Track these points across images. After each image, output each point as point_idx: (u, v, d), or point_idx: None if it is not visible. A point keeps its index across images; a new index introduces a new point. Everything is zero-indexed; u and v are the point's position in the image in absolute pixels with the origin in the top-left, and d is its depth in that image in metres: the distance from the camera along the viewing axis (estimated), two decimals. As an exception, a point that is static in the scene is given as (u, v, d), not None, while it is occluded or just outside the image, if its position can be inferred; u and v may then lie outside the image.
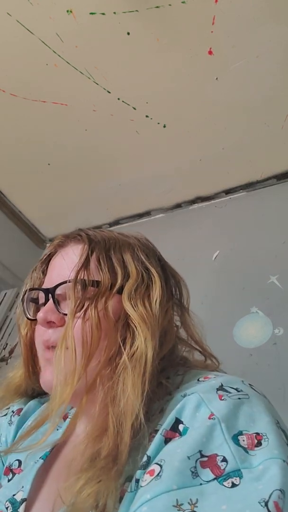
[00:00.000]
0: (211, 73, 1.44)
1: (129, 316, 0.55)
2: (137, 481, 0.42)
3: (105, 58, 1.43)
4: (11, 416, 0.66)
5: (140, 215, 2.11)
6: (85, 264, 0.59)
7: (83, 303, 0.55)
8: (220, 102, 1.52)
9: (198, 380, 0.52)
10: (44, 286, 0.63)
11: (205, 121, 1.59)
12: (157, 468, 0.40)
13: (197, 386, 0.49)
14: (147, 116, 1.61)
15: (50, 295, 0.59)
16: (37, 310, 0.64)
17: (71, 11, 1.31)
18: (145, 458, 0.43)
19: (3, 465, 0.62)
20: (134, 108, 1.58)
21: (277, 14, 1.26)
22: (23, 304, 0.65)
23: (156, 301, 0.58)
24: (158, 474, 0.39)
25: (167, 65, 1.42)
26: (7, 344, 2.01)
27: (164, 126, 1.63)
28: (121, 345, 0.53)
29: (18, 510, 0.50)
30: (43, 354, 0.58)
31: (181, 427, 0.44)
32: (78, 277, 0.57)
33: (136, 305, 0.56)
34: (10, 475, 0.57)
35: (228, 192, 1.88)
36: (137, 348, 0.51)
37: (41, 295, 0.62)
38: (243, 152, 1.70)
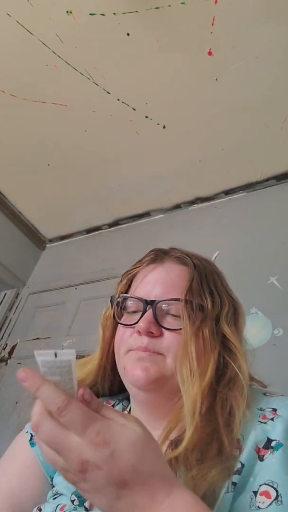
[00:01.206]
0: (211, 74, 1.44)
1: (227, 339, 0.63)
2: (234, 484, 0.48)
3: (105, 58, 1.43)
4: None
5: (139, 216, 2.11)
6: (191, 287, 0.64)
7: (194, 322, 0.61)
8: (219, 103, 1.52)
9: (264, 394, 0.60)
10: (137, 295, 0.66)
11: (204, 122, 1.60)
12: (272, 491, 0.46)
13: (273, 401, 0.57)
14: (146, 117, 1.61)
15: (150, 307, 0.63)
16: (120, 314, 0.68)
17: (70, 12, 1.31)
18: (239, 465, 0.49)
19: None
20: (134, 109, 1.58)
21: (277, 15, 1.27)
22: (113, 307, 0.69)
23: (242, 326, 0.68)
24: (276, 498, 0.45)
25: (166, 66, 1.42)
26: (6, 344, 2.01)
27: (164, 127, 1.63)
28: (224, 363, 0.60)
29: (85, 504, 0.54)
30: (134, 352, 0.61)
31: (273, 443, 0.50)
32: (188, 299, 0.62)
33: (233, 330, 0.64)
34: None
35: (227, 192, 1.88)
36: (240, 367, 0.59)
37: (135, 304, 0.66)
38: (243, 152, 1.70)
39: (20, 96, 1.60)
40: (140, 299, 0.64)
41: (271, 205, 1.72)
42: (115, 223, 2.18)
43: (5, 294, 2.24)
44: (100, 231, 2.25)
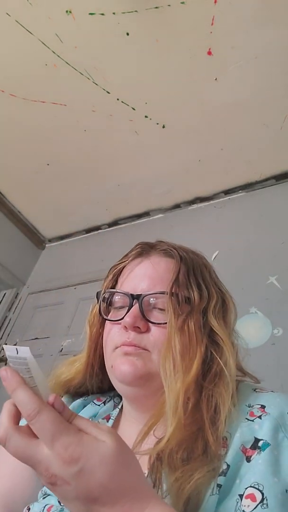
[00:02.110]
0: (211, 74, 1.44)
1: (215, 332, 0.61)
2: (219, 486, 0.46)
3: (105, 58, 1.43)
4: None
5: (139, 216, 2.11)
6: (178, 280, 0.62)
7: (179, 316, 0.59)
8: (219, 103, 1.52)
9: (254, 390, 0.58)
10: (123, 289, 0.65)
11: (204, 122, 1.60)
12: (257, 494, 0.43)
13: (261, 398, 0.55)
14: (146, 117, 1.61)
15: (137, 301, 0.61)
16: (107, 310, 0.66)
17: (70, 12, 1.31)
18: (224, 466, 0.47)
19: None
20: (134, 109, 1.58)
21: (276, 15, 1.27)
22: (99, 303, 0.67)
23: (231, 320, 0.66)
24: (262, 501, 0.43)
25: (166, 66, 1.42)
26: (6, 343, 2.01)
27: (163, 127, 1.63)
28: (211, 358, 0.58)
29: None
30: (116, 350, 0.60)
31: (260, 443, 0.48)
32: (174, 291, 0.61)
33: (220, 323, 0.62)
34: None
35: (227, 192, 1.89)
36: (226, 362, 0.57)
37: (122, 299, 0.64)
38: (242, 152, 1.70)
39: (20, 95, 1.60)
40: (126, 293, 0.63)
41: (270, 205, 1.72)
42: (115, 223, 2.18)
43: (4, 294, 2.24)
44: (99, 231, 2.25)
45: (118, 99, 1.55)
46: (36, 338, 1.93)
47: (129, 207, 2.08)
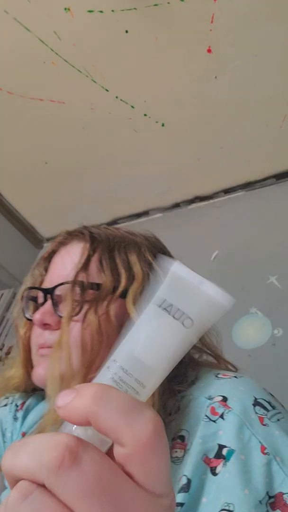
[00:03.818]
0: (210, 72, 1.43)
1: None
2: (181, 505, 0.39)
3: (103, 56, 1.42)
4: (15, 411, 0.65)
5: (138, 215, 2.10)
6: (85, 265, 0.56)
7: (81, 306, 0.53)
8: (218, 101, 1.51)
9: (216, 376, 0.51)
10: (44, 285, 0.61)
11: (203, 120, 1.59)
12: None
13: (222, 385, 0.48)
14: (145, 115, 1.60)
15: (48, 295, 0.57)
16: (36, 309, 0.61)
17: (68, 9, 1.30)
18: (184, 480, 0.41)
19: None
20: (132, 107, 1.57)
21: (276, 13, 1.26)
22: (22, 302, 0.62)
23: None
24: None
25: (165, 64, 1.41)
26: (3, 344, 2.00)
27: (163, 125, 1.62)
28: None
29: None
30: (37, 351, 0.56)
31: (225, 450, 0.42)
32: (77, 279, 0.54)
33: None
34: None
35: (226, 191, 1.88)
36: None
37: (40, 295, 0.60)
38: (242, 151, 1.69)
39: (18, 93, 1.59)
40: (38, 288, 0.59)
41: (270, 204, 1.71)
42: (114, 222, 2.17)
43: (2, 294, 2.23)
44: (98, 230, 2.24)
45: (117, 97, 1.54)
46: (34, 338, 1.92)
47: (128, 206, 2.07)
